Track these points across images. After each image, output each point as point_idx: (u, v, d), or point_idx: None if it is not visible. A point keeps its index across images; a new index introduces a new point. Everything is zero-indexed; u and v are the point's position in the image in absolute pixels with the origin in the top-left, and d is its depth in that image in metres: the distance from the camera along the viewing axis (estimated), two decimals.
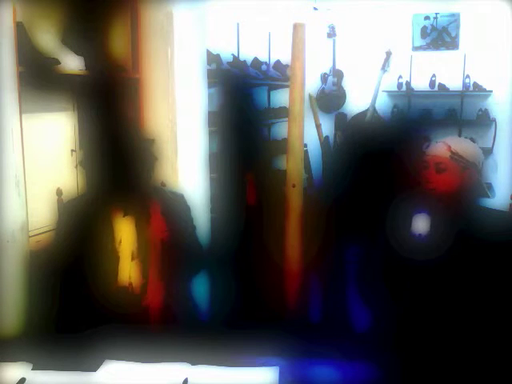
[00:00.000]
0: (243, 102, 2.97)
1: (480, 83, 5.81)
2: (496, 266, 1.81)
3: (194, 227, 2.16)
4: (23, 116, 2.18)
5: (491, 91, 5.80)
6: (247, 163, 2.92)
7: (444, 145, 1.92)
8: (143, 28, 2.80)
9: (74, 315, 1.91)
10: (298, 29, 2.39)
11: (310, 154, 5.02)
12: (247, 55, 5.14)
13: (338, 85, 6.24)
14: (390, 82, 6.06)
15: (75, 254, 1.91)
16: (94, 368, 1.65)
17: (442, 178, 1.90)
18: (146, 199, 1.99)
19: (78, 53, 2.56)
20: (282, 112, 5.27)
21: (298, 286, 2.50)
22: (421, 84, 5.97)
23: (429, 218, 1.94)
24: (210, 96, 3.10)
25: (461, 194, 1.91)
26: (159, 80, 2.81)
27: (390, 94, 6.12)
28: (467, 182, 1.91)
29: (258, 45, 5.42)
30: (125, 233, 1.95)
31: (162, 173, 2.21)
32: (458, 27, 5.93)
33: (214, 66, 4.28)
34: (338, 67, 6.21)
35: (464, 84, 5.84)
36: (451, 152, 1.90)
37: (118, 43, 2.75)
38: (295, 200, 2.46)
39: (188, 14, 2.86)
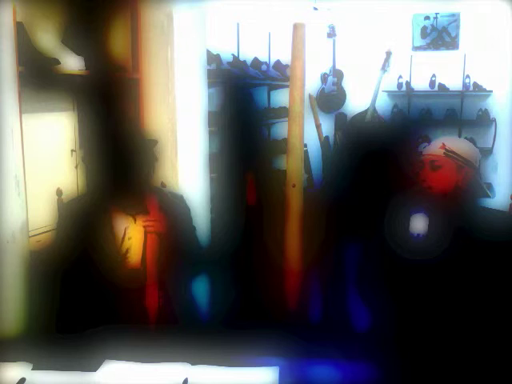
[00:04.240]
0: (243, 102, 2.97)
1: (480, 83, 5.80)
2: (496, 266, 1.81)
3: (193, 228, 2.16)
4: (23, 116, 2.17)
5: (491, 91, 5.80)
6: (247, 163, 2.93)
7: (438, 143, 1.94)
8: (143, 28, 2.80)
9: (74, 315, 1.91)
10: (298, 29, 2.40)
11: (310, 154, 5.03)
12: (247, 55, 5.14)
13: (338, 85, 6.24)
14: (390, 82, 6.06)
15: (75, 254, 1.91)
16: (94, 368, 1.65)
17: (437, 175, 1.90)
18: (145, 200, 1.99)
19: (78, 53, 2.55)
20: (282, 112, 5.27)
21: (297, 285, 2.50)
22: (421, 84, 5.97)
23: (428, 218, 1.94)
24: (210, 96, 3.10)
25: (459, 193, 1.91)
26: (159, 80, 2.81)
27: (390, 93, 6.12)
28: (464, 180, 1.91)
29: (258, 45, 5.42)
30: (124, 233, 1.96)
31: (162, 173, 2.21)
32: (458, 27, 5.93)
33: (214, 66, 4.27)
34: (338, 67, 6.21)
35: (464, 84, 5.84)
36: (445, 149, 1.90)
37: (118, 43, 2.75)
38: (295, 200, 2.46)
39: (188, 14, 2.86)
